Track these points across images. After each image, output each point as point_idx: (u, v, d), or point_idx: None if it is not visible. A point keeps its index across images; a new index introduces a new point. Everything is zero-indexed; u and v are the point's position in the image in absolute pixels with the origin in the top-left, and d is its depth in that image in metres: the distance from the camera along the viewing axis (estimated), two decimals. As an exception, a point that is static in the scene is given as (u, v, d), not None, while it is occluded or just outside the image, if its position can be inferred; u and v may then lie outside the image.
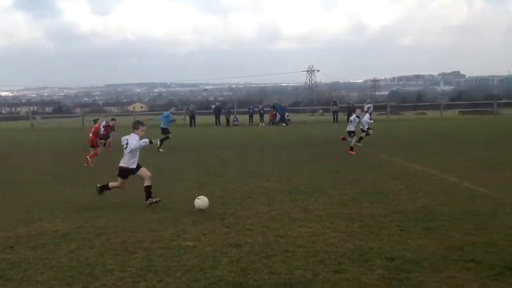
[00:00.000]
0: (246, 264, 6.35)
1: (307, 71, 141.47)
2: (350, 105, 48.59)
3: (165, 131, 23.94)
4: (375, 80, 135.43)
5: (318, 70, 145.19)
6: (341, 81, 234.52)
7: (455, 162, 15.82)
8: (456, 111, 58.36)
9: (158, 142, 21.44)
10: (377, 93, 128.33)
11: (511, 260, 6.09)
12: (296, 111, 67.00)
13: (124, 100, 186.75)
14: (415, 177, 13.20)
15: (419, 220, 8.38)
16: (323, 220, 8.61)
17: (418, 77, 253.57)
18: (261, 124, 46.22)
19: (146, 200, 10.17)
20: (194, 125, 45.23)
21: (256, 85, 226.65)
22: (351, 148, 19.72)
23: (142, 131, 10.35)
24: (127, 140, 10.26)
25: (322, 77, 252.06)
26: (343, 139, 21.17)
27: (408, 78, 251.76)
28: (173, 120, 26.20)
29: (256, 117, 48.87)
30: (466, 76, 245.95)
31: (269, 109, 49.40)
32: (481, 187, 11.28)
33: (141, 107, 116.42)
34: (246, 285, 5.60)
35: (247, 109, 51.82)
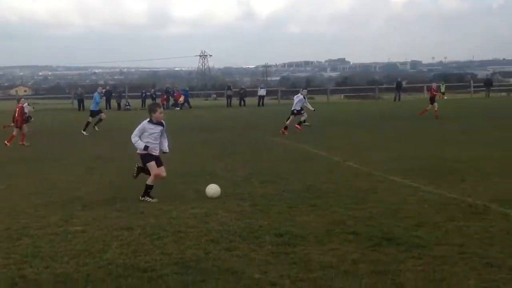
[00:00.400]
0: (137, 246, 6.31)
1: (200, 55, 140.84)
2: (242, 91, 49.36)
3: (95, 113, 24.06)
4: (266, 66, 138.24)
5: (211, 55, 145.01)
6: (234, 66, 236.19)
7: (340, 144, 16.66)
8: (342, 95, 61.20)
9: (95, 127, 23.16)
10: (269, 78, 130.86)
11: (387, 231, 6.58)
12: (190, 96, 66.65)
13: (6, 84, 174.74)
14: (304, 158, 13.74)
15: (306, 198, 8.78)
16: (215, 201, 8.73)
17: (307, 63, 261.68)
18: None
19: (143, 196, 8.96)
20: (83, 109, 43.60)
21: (148, 69, 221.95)
22: (299, 123, 21.25)
23: (160, 113, 9.14)
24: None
25: (215, 62, 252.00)
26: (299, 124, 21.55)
27: (298, 64, 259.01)
28: (99, 102, 25.78)
29: (148, 101, 48.07)
30: (351, 63, 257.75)
31: (161, 93, 48.93)
32: (363, 166, 12.00)
33: (25, 91, 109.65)
34: (137, 267, 5.58)
35: (140, 93, 50.84)
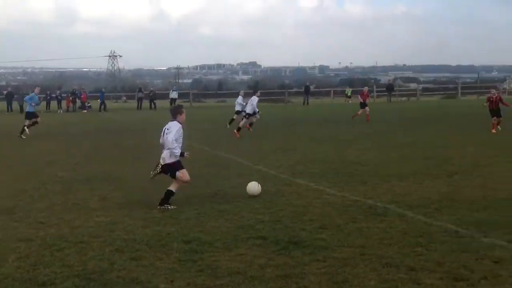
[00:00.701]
0: (37, 258, 6.02)
1: (109, 56, 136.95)
2: (151, 93, 48.61)
3: (31, 115, 22.12)
4: (178, 68, 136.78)
5: (121, 56, 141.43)
6: (145, 68, 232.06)
7: (250, 148, 16.83)
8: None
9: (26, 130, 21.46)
10: (180, 80, 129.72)
11: (294, 235, 6.72)
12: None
13: None
14: (214, 163, 13.74)
15: (215, 203, 8.77)
16: (122, 208, 8.52)
17: (219, 66, 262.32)
18: (59, 111, 43.83)
19: (160, 205, 8.44)
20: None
21: (54, 70, 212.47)
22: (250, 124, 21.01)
23: (184, 115, 8.68)
24: (168, 130, 8.46)
25: (126, 64, 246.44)
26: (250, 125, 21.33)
27: (210, 67, 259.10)
28: (39, 103, 24.47)
29: (54, 103, 46.07)
30: (262, 67, 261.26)
31: (67, 95, 47.09)
32: (272, 169, 12.19)
33: None
34: (35, 280, 5.31)
35: (44, 95, 48.57)
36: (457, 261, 5.54)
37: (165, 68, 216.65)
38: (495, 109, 19.75)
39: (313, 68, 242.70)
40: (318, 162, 13.17)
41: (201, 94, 71.25)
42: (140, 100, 48.01)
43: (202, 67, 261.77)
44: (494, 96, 20.20)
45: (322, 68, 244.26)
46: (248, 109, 21.32)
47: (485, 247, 5.97)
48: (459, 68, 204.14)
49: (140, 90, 50.23)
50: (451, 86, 68.74)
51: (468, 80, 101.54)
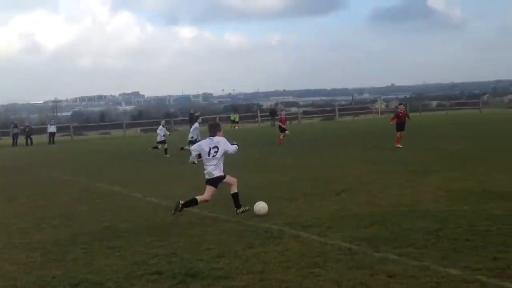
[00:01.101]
0: None
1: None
2: (27, 128, 46.01)
3: None
4: (56, 101, 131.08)
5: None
6: (20, 102, 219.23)
7: (141, 178, 16.30)
8: (138, 129, 60.62)
9: None
10: (59, 114, 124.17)
11: (191, 267, 6.48)
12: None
13: None
14: (100, 196, 13.09)
15: (105, 240, 8.29)
16: (0, 253, 7.76)
17: (100, 97, 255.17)
18: None
19: (237, 208, 9.46)
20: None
21: None
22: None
23: (222, 132, 9.86)
24: (215, 145, 9.40)
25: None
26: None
27: (91, 99, 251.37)
28: None
29: None
30: (145, 96, 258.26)
31: None
32: (163, 200, 11.85)
33: None
34: None
35: None
36: (354, 279, 5.63)
37: (41, 102, 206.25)
38: (402, 122, 21.19)
39: (197, 96, 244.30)
40: (209, 189, 13.01)
41: (82, 126, 68.52)
42: (15, 136, 45.13)
43: (82, 99, 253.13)
44: (401, 111, 21.71)
45: (206, 96, 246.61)
46: (195, 135, 21.88)
47: (378, 262, 6.14)
48: (334, 92, 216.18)
49: (15, 126, 47.23)
50: (328, 108, 72.17)
51: (343, 102, 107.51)
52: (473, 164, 14.37)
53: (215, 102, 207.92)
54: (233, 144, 9.75)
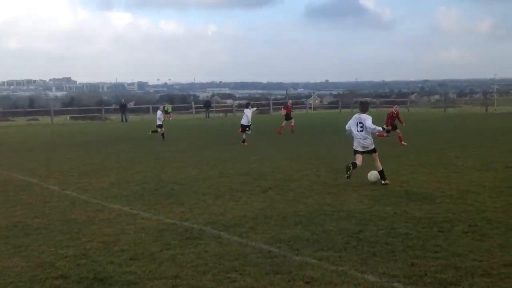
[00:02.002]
0: None
1: None
2: None
3: None
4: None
5: None
6: None
7: (60, 169, 15.52)
8: (67, 116, 58.46)
9: None
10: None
11: (100, 270, 6.06)
12: None
13: None
14: (14, 188, 12.32)
15: (12, 238, 7.72)
16: None
17: (29, 82, 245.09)
18: None
19: (384, 180, 11.22)
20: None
21: None
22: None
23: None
24: (361, 121, 11.15)
25: None
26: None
27: (19, 83, 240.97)
28: None
29: None
30: (77, 82, 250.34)
31: None
32: (83, 194, 11.28)
33: None
34: None
35: None
36: (271, 285, 5.42)
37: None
38: (393, 123, 20.30)
39: (132, 84, 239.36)
40: (134, 184, 12.53)
41: (10, 112, 65.29)
42: None
43: (10, 83, 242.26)
44: (395, 111, 21.09)
45: (141, 85, 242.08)
46: (244, 121, 22.67)
47: (297, 266, 5.97)
48: (270, 85, 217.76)
49: None
50: (264, 102, 72.34)
51: (279, 96, 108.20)
52: (397, 163, 14.59)
53: (151, 91, 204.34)
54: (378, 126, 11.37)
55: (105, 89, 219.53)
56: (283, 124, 28.02)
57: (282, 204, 9.66)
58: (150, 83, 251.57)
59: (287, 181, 12.21)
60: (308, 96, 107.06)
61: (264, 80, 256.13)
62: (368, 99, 13.97)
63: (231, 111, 60.66)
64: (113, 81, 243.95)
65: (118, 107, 52.73)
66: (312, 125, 35.30)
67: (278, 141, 23.68)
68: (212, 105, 59.46)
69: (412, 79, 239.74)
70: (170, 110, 54.82)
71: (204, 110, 55.87)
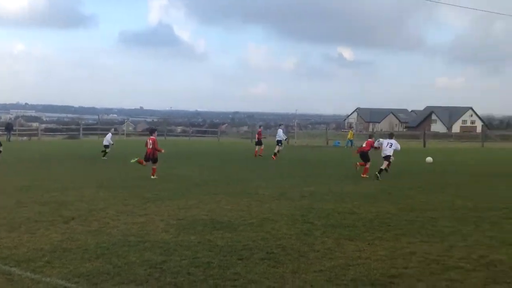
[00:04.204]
0: None
1: None
2: None
3: None
4: None
5: None
6: None
7: None
8: None
9: None
10: None
11: None
12: None
13: None
14: None
15: None
16: None
17: None
18: None
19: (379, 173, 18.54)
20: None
21: None
22: None
23: None
24: (391, 143, 19.33)
25: None
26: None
27: None
28: None
29: None
30: None
31: None
32: None
33: None
34: None
35: None
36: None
37: None
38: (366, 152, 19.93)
39: None
40: None
41: None
42: None
43: None
44: (373, 142, 20.14)
45: None
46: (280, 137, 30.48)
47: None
48: (82, 110, 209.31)
49: None
50: (73, 126, 69.13)
51: (90, 121, 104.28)
52: (203, 192, 14.91)
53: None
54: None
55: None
56: (256, 149, 31.00)
57: (84, 235, 9.23)
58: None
59: (91, 211, 11.73)
60: (122, 122, 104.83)
61: (75, 104, 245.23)
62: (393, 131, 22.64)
63: (36, 135, 56.67)
64: None
65: None
66: (122, 152, 34.53)
67: (86, 168, 22.68)
68: (14, 128, 54.91)
69: (224, 110, 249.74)
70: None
71: (5, 133, 51.34)
